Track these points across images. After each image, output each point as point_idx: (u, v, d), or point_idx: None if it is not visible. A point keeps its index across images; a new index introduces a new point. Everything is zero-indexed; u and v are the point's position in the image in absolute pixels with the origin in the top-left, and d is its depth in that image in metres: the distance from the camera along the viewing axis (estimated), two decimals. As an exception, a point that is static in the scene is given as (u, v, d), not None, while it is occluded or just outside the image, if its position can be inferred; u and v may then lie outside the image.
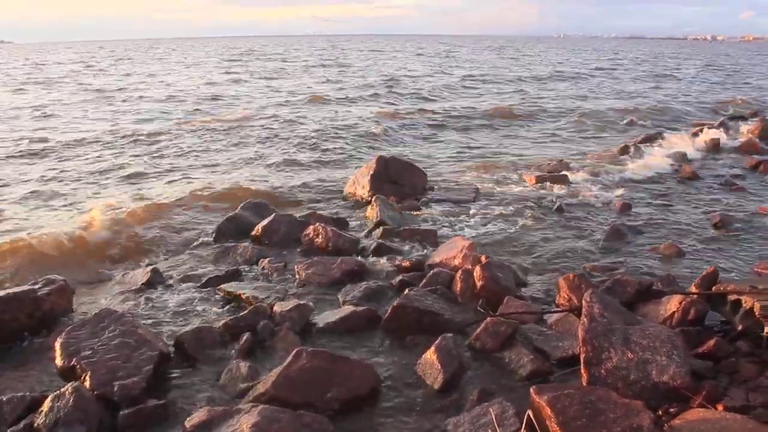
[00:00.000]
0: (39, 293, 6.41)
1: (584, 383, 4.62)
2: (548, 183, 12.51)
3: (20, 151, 16.22)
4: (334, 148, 16.81)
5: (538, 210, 10.78)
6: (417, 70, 48.36)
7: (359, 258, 8.12)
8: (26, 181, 13.13)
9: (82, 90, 33.57)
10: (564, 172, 13.30)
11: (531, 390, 4.28)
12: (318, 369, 4.91)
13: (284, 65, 54.52)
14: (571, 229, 9.70)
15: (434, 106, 25.43)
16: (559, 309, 6.45)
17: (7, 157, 15.62)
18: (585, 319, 4.89)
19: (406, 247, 8.59)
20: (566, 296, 6.57)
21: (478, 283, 6.77)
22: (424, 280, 7.14)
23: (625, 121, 22.60)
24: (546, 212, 10.64)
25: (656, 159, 15.10)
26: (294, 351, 5.05)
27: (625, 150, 16.13)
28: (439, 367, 5.17)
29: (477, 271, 6.85)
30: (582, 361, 4.71)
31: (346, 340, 6.02)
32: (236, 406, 4.57)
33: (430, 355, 5.31)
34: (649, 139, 17.62)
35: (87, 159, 15.43)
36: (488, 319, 5.89)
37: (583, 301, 5.14)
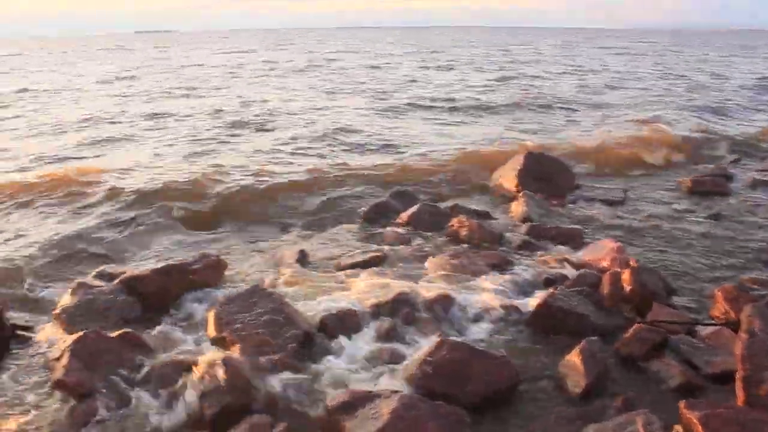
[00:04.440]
0: (193, 266, 6.83)
1: (740, 403, 4.35)
2: (706, 187, 11.79)
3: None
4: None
5: (693, 215, 10.21)
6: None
7: (503, 252, 8.04)
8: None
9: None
10: (724, 176, 12.53)
11: (681, 404, 4.09)
12: (457, 361, 4.93)
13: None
14: (728, 238, 9.05)
15: None
16: (714, 322, 6.11)
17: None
18: (744, 335, 4.60)
19: (552, 245, 8.36)
20: (722, 308, 6.19)
21: (627, 288, 6.51)
22: (569, 280, 6.98)
23: None
24: (701, 217, 10.05)
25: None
26: (436, 341, 5.10)
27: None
28: (582, 371, 5.02)
29: (626, 275, 6.59)
30: (739, 379, 4.43)
31: (487, 334, 6.00)
32: (376, 389, 4.67)
33: (573, 357, 5.18)
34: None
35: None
36: (636, 325, 5.68)
37: (742, 316, 4.83)
